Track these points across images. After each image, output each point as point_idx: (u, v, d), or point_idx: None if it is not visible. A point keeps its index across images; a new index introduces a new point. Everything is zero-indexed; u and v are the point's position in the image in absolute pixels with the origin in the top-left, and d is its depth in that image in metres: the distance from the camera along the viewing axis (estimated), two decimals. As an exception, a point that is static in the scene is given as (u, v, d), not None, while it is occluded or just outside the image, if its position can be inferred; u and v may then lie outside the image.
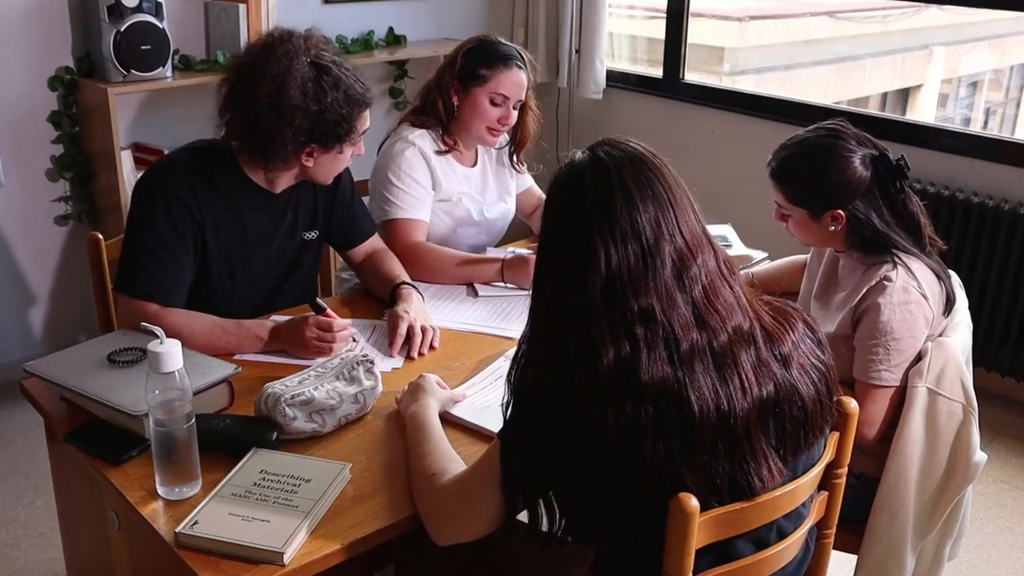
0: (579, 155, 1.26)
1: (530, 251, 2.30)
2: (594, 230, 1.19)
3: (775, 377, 1.22)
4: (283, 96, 1.83)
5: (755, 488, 1.21)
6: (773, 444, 1.23)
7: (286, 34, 1.88)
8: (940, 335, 1.84)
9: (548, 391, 1.21)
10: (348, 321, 1.91)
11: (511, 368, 1.27)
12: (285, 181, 1.98)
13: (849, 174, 1.80)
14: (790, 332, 1.27)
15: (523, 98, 2.38)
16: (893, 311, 1.76)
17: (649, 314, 1.17)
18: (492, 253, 2.41)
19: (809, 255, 2.12)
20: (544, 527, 1.27)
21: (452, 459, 1.44)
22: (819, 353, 1.30)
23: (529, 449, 1.23)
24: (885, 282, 1.78)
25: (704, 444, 1.17)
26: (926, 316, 1.79)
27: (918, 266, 1.81)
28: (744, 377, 1.19)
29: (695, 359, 1.17)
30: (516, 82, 2.33)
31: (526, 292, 2.20)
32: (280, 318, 1.93)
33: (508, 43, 2.37)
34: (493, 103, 2.33)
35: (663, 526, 1.18)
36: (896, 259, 1.80)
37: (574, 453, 1.18)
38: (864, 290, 1.80)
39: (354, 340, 1.90)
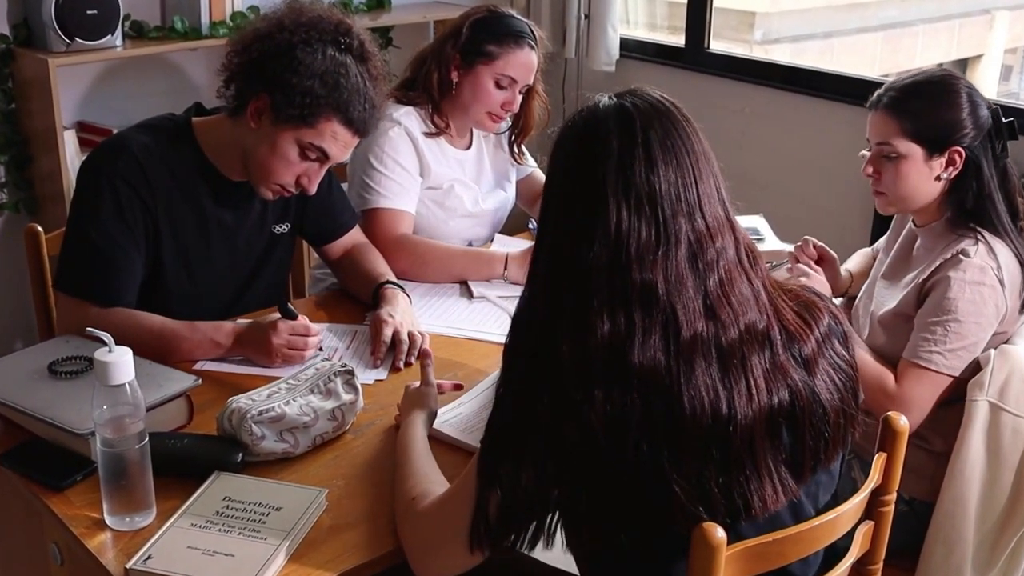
0: (604, 101, 1.27)
1: None
2: (609, 187, 1.20)
3: (793, 384, 1.23)
4: (280, 20, 1.83)
5: (754, 508, 1.21)
6: (784, 459, 1.24)
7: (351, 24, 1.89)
8: (1006, 342, 1.85)
9: (537, 364, 1.23)
10: (319, 326, 1.90)
11: (508, 336, 1.29)
12: (236, 160, 1.93)
13: (979, 111, 1.85)
14: (815, 328, 1.28)
15: (531, 82, 2.38)
16: (963, 289, 1.78)
17: (651, 291, 1.19)
18: (493, 247, 2.41)
19: (885, 236, 2.15)
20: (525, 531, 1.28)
21: (436, 481, 1.44)
22: (844, 352, 1.31)
23: (513, 430, 1.25)
24: (961, 256, 1.80)
25: (694, 449, 1.18)
26: (997, 305, 1.81)
27: (1002, 248, 1.83)
28: (752, 382, 1.20)
29: (696, 353, 1.19)
30: (526, 63, 2.34)
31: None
32: (245, 322, 1.92)
33: (520, 17, 2.38)
34: (498, 85, 2.33)
35: (653, 538, 1.20)
36: (979, 236, 1.83)
37: (557, 438, 1.20)
38: (937, 263, 1.83)
39: (320, 349, 1.90)
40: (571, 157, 1.26)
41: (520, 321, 1.28)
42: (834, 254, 2.21)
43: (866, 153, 1.95)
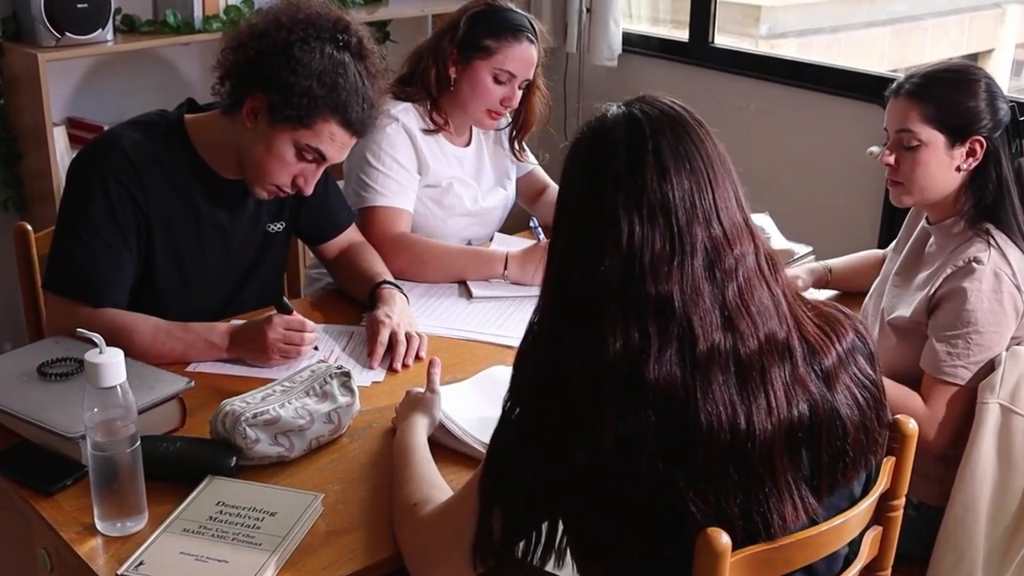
0: (613, 110, 1.26)
1: (544, 240, 2.31)
2: (619, 200, 1.19)
3: (812, 397, 1.22)
4: (277, 17, 1.82)
5: (773, 527, 1.19)
6: (805, 476, 1.22)
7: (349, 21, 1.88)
8: (1019, 343, 1.85)
9: (545, 381, 1.22)
10: (315, 326, 1.90)
11: (519, 347, 1.28)
12: (230, 158, 1.92)
13: (997, 102, 1.86)
14: (837, 343, 1.26)
15: (531, 77, 2.38)
16: (981, 299, 1.78)
17: (666, 303, 1.17)
18: (493, 246, 2.41)
19: (897, 237, 2.15)
20: (527, 545, 1.29)
21: (437, 486, 1.44)
22: (869, 370, 1.29)
23: (518, 447, 1.24)
24: (974, 264, 1.80)
25: (711, 467, 1.17)
26: (1017, 309, 1.81)
27: (1013, 252, 1.84)
28: (772, 395, 1.19)
29: (713, 366, 1.17)
30: (525, 58, 2.34)
31: (531, 293, 2.21)
32: (240, 323, 1.92)
33: (519, 11, 2.38)
34: (497, 80, 2.33)
35: (668, 558, 1.19)
36: (991, 240, 1.83)
37: (564, 457, 1.19)
38: (948, 271, 1.83)
39: (316, 348, 1.90)
40: (580, 170, 1.25)
41: (531, 335, 1.27)
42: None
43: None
